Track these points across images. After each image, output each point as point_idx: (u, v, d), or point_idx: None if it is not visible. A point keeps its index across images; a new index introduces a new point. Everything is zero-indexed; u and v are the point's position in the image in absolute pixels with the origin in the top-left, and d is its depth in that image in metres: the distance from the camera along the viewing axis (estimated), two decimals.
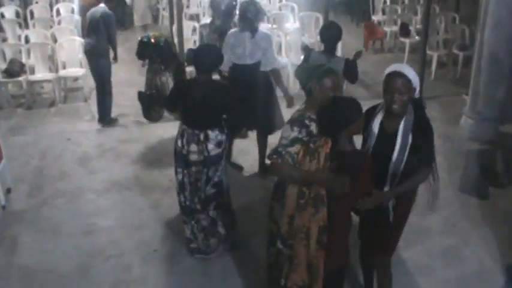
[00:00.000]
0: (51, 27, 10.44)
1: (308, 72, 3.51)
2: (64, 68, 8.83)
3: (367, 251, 3.85)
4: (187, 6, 12.93)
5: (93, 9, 7.33)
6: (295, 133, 3.23)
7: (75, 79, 9.16)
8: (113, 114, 7.72)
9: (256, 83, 5.57)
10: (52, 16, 11.49)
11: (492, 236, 4.91)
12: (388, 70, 3.38)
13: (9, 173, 5.82)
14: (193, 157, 4.37)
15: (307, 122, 3.28)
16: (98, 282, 4.42)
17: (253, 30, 5.53)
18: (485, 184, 5.71)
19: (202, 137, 4.32)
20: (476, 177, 5.94)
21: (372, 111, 3.52)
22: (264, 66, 5.58)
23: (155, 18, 13.77)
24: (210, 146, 4.33)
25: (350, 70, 5.10)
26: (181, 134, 4.41)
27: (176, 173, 4.52)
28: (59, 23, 10.75)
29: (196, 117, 4.34)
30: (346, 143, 3.26)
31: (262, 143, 5.96)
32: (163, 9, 12.92)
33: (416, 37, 10.52)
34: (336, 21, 7.77)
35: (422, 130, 3.38)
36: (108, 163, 6.42)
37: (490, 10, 6.48)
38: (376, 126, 3.43)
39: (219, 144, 4.37)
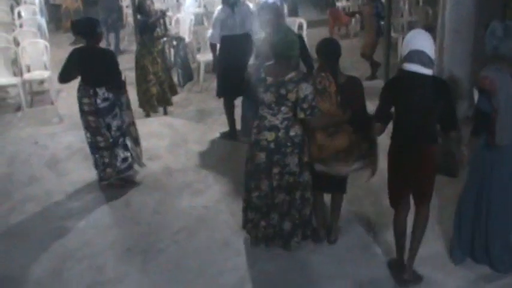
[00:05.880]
0: (13, 30, 10.27)
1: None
2: (29, 71, 8.71)
3: None
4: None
5: None
6: (312, 86, 4.00)
7: (41, 82, 9.03)
8: None
9: None
10: (13, 19, 11.30)
11: None
12: None
13: None
14: (86, 108, 5.40)
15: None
16: (72, 285, 4.36)
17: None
18: (454, 161, 5.74)
19: (91, 92, 5.33)
20: (445, 155, 5.97)
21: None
22: None
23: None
24: (98, 100, 5.35)
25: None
26: (78, 89, 5.41)
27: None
28: (21, 26, 10.58)
29: (89, 76, 5.35)
30: (341, 72, 4.19)
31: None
32: (127, 6, 12.78)
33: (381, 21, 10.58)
34: (300, 9, 7.81)
35: None
36: (77, 164, 6.33)
37: None
38: None
39: (105, 99, 5.37)
